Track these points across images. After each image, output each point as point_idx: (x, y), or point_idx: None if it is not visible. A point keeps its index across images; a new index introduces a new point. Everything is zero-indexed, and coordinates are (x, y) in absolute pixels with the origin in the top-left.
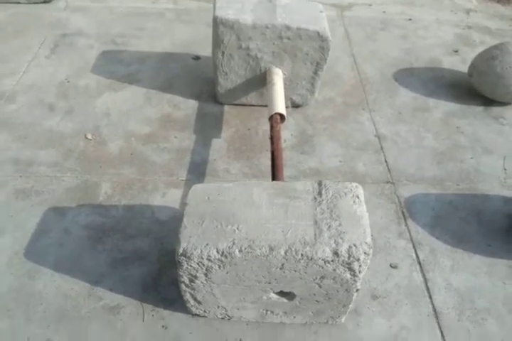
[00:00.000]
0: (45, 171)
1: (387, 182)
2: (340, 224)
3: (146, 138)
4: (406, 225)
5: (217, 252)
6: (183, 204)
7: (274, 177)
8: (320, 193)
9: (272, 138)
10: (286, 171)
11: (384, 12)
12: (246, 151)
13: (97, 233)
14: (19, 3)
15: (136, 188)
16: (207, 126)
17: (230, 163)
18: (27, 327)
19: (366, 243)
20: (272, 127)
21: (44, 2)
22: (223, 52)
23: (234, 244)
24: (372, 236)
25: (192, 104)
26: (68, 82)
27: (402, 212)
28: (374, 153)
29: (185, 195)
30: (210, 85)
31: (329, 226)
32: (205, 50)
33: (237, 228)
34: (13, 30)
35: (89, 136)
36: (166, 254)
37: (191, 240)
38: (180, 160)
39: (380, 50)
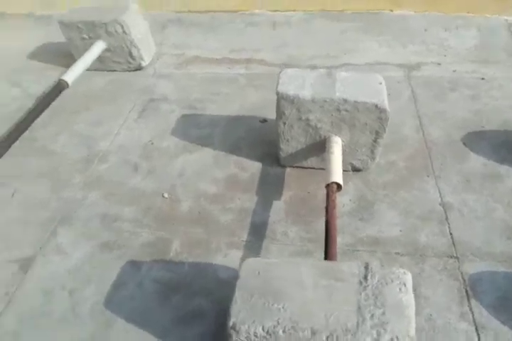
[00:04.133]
0: (126, 226)
1: (451, 257)
2: (383, 313)
3: (213, 198)
4: (469, 306)
5: (263, 330)
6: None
7: (326, 252)
8: (366, 277)
9: (327, 207)
10: (343, 238)
11: (454, 71)
12: (304, 215)
13: (165, 288)
14: (115, 70)
15: (202, 247)
16: (268, 188)
17: (288, 226)
18: None
19: (409, 336)
20: (327, 196)
21: (136, 70)
22: (284, 123)
23: (278, 323)
24: (431, 315)
25: (256, 166)
26: (152, 143)
27: (466, 291)
28: (438, 224)
29: (244, 257)
30: (275, 147)
31: (372, 315)
32: (272, 114)
33: (283, 307)
34: (109, 96)
35: (166, 195)
36: (223, 315)
37: (240, 315)
38: (242, 221)
39: (448, 111)
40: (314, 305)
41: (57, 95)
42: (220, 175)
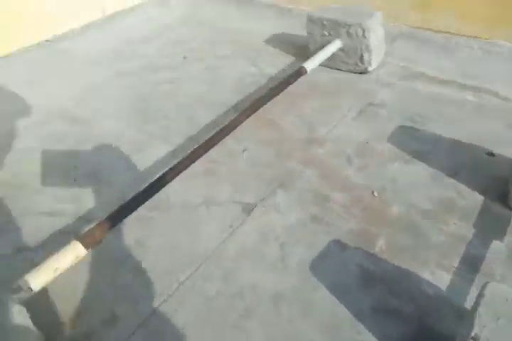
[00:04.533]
0: (336, 209)
1: None
2: None
3: (425, 213)
4: None
5: None
6: (479, 295)
7: None
8: None
9: None
10: None
11: None
12: None
13: (368, 277)
14: (340, 70)
15: (408, 255)
16: (489, 225)
17: (508, 270)
18: (302, 323)
19: None
20: None
21: (360, 73)
22: None
23: None
24: None
25: (477, 198)
26: (367, 143)
27: None
28: None
29: (453, 283)
30: (501, 184)
31: None
32: (502, 149)
33: None
34: (333, 91)
35: (375, 194)
36: (425, 329)
37: (484, 330)
38: (455, 247)
39: None
40: None
41: (296, 79)
42: (435, 193)
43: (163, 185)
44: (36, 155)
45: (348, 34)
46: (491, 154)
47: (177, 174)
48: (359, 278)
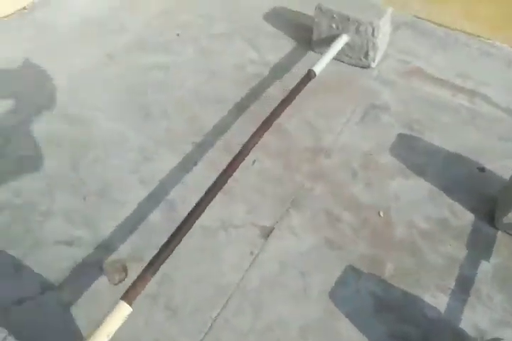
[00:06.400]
0: (347, 231)
1: None
2: None
3: (424, 234)
4: None
5: None
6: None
7: None
8: None
9: None
10: None
11: None
12: (511, 287)
13: (379, 303)
14: (342, 61)
15: (412, 278)
16: (478, 245)
17: (493, 291)
18: None
19: None
20: None
21: (362, 67)
22: None
23: None
24: None
25: (469, 217)
26: (371, 155)
27: None
28: None
29: (450, 304)
30: (489, 203)
31: None
32: (493, 163)
33: None
34: (335, 87)
35: (381, 214)
36: None
37: None
38: (451, 268)
39: None
40: None
41: (306, 84)
42: (433, 213)
43: (197, 217)
44: None
45: (357, 31)
46: (482, 169)
47: (207, 204)
48: (373, 306)
